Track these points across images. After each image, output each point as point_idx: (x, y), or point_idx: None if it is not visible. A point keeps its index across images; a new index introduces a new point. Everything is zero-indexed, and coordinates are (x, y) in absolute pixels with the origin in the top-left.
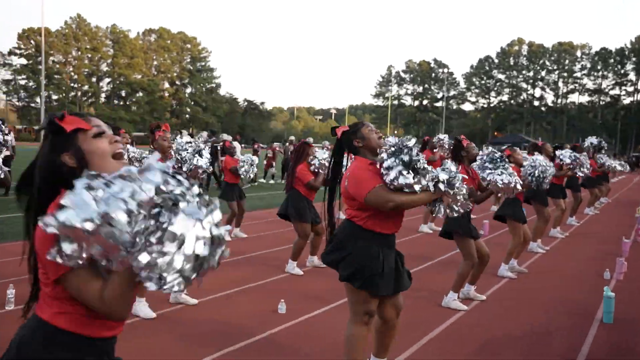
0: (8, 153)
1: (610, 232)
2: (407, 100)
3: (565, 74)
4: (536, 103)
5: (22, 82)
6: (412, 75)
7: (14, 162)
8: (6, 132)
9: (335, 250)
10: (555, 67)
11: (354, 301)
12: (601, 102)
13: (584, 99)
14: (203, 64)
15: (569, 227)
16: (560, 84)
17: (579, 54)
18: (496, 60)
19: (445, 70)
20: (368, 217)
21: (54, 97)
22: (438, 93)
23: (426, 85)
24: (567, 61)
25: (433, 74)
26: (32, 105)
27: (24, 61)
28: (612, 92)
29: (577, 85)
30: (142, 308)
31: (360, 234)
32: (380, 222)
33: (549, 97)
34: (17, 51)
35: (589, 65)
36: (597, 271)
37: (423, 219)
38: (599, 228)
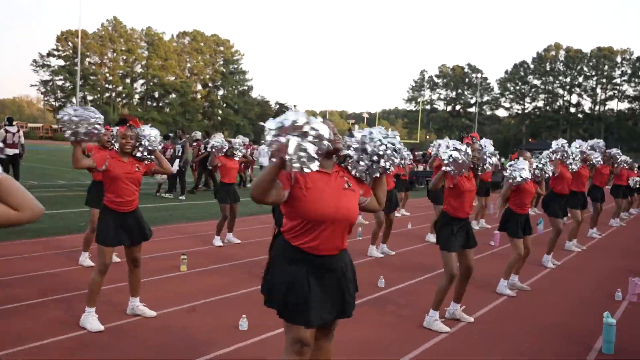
0: (17, 151)
1: (633, 246)
2: (440, 105)
3: (604, 80)
4: (572, 110)
5: (60, 83)
6: (445, 80)
7: (23, 160)
8: (14, 130)
9: (265, 272)
10: (593, 73)
11: (285, 327)
12: None
13: (624, 105)
14: (235, 66)
15: (590, 240)
16: (599, 90)
17: (619, 59)
18: (532, 66)
19: (479, 75)
20: (295, 229)
21: (89, 97)
22: (471, 98)
23: (459, 91)
24: (606, 67)
25: (467, 79)
26: (69, 105)
27: (61, 62)
28: None
29: (616, 91)
30: (90, 320)
31: (288, 253)
32: (311, 238)
33: (587, 104)
34: (56, 52)
35: (629, 71)
36: (609, 291)
37: (430, 228)
38: (621, 242)
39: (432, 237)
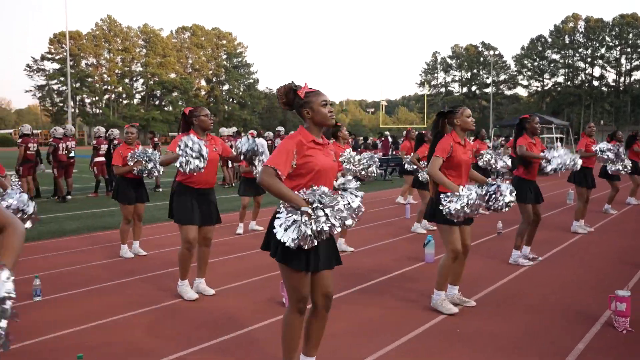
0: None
1: (592, 278)
2: (455, 88)
3: (629, 50)
4: (596, 83)
5: (55, 87)
6: (459, 61)
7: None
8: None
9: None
10: (616, 43)
11: (287, 287)
12: None
13: None
14: (239, 59)
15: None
16: (623, 60)
17: None
18: (549, 40)
19: (494, 52)
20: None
21: (87, 100)
22: (487, 78)
23: (474, 71)
24: (630, 35)
25: (481, 58)
26: (65, 109)
27: (56, 65)
28: None
29: None
30: (185, 289)
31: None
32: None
33: (610, 76)
34: (49, 56)
35: None
36: None
37: (417, 218)
38: (586, 259)
39: (418, 228)
